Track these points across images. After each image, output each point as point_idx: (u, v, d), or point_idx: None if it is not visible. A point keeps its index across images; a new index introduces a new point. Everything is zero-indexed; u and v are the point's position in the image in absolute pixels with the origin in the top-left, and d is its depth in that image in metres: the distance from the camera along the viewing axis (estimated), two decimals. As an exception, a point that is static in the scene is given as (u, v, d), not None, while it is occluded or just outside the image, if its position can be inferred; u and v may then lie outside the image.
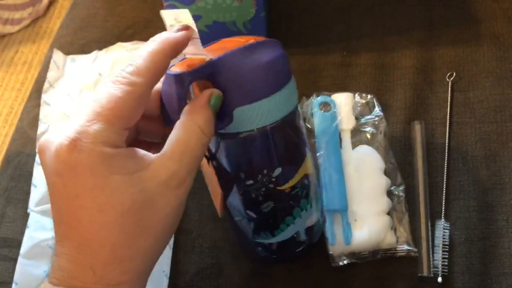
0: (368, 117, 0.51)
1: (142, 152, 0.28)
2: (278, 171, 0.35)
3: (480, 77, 0.54)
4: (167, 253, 0.46)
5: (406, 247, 0.44)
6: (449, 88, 0.53)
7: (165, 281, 0.45)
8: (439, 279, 0.42)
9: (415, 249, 0.44)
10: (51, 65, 0.63)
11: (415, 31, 0.58)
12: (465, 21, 0.58)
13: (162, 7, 0.56)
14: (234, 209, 0.39)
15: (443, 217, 0.45)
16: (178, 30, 0.31)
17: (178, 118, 0.30)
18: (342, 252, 0.44)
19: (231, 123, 0.32)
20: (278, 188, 0.36)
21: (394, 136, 0.51)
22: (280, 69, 0.32)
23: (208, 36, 0.58)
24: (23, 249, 0.48)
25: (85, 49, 0.65)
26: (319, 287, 0.44)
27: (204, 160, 0.36)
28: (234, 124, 0.32)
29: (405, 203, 0.46)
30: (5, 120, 1.44)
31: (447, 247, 0.44)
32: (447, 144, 0.50)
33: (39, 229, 0.49)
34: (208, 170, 0.37)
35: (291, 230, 0.40)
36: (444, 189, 0.47)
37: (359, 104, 0.51)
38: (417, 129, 0.50)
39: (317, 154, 0.47)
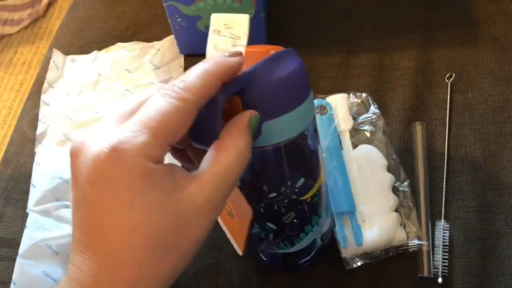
0: (365, 115, 0.51)
1: (180, 170, 0.27)
2: (301, 181, 0.35)
3: (479, 78, 0.54)
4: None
5: (417, 241, 0.44)
6: (449, 89, 0.53)
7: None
8: (440, 280, 0.42)
9: (426, 243, 0.44)
10: (51, 65, 0.63)
11: (414, 32, 0.59)
12: (464, 23, 0.58)
13: (162, 8, 0.56)
14: None
15: (442, 218, 0.45)
16: (233, 55, 0.29)
17: (213, 139, 0.28)
18: (354, 254, 0.44)
19: (259, 137, 0.31)
20: (300, 198, 0.36)
21: (394, 137, 0.51)
22: (304, 78, 0.31)
23: (207, 36, 0.59)
24: (22, 249, 0.48)
25: (84, 50, 0.65)
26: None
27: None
28: (261, 138, 0.31)
29: (412, 198, 0.46)
30: (4, 121, 1.44)
31: (447, 247, 0.44)
32: (446, 145, 0.50)
33: (37, 229, 0.49)
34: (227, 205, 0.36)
35: (310, 238, 0.40)
36: (444, 190, 0.47)
37: (354, 104, 0.52)
38: (418, 130, 0.50)
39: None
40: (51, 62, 0.63)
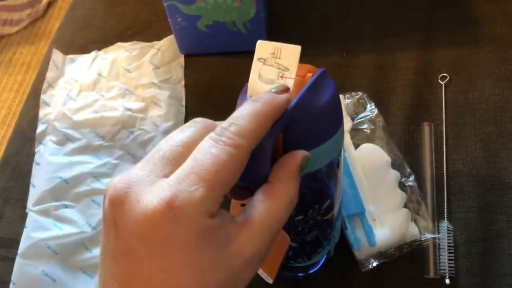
0: (363, 114, 0.51)
1: (228, 217, 0.25)
2: (327, 203, 0.34)
3: (479, 79, 0.54)
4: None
5: (429, 235, 0.44)
6: (443, 90, 0.53)
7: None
8: (447, 281, 0.42)
9: (439, 235, 0.44)
10: (50, 65, 0.63)
11: (415, 32, 0.59)
12: (464, 23, 0.58)
13: (162, 8, 0.56)
14: None
15: (446, 218, 0.45)
16: (281, 91, 0.27)
17: (260, 180, 0.27)
18: (369, 255, 0.43)
19: None
20: (324, 218, 0.36)
21: (394, 137, 0.51)
22: (339, 103, 0.30)
23: (208, 36, 0.59)
24: (21, 248, 0.48)
25: (84, 50, 0.65)
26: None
27: None
28: None
29: (419, 192, 0.46)
30: (3, 121, 1.44)
31: (452, 248, 0.44)
32: (444, 145, 0.50)
33: (37, 228, 0.49)
34: None
35: (326, 250, 0.40)
36: (446, 190, 0.47)
37: (350, 104, 0.52)
38: (426, 130, 0.50)
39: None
40: (51, 62, 0.63)
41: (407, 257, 0.44)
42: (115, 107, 0.57)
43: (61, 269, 0.47)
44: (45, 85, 0.62)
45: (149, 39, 0.64)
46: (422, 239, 0.44)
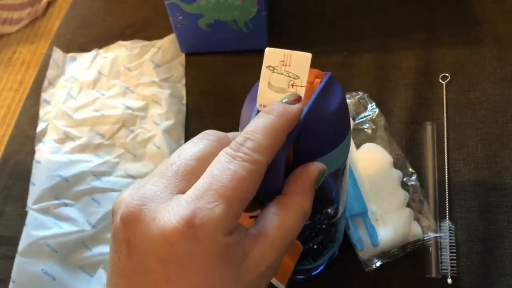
0: (364, 114, 0.51)
1: (243, 230, 0.24)
2: (334, 207, 0.35)
3: (481, 78, 0.54)
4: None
5: (432, 234, 0.44)
6: (444, 90, 0.53)
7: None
8: (449, 280, 0.42)
9: (442, 235, 0.44)
10: (51, 63, 0.63)
11: (416, 32, 0.59)
12: (466, 23, 0.58)
13: (163, 6, 0.56)
14: None
15: (447, 218, 0.45)
16: (293, 101, 0.26)
17: (274, 192, 0.26)
18: (372, 255, 0.43)
19: None
20: (331, 222, 0.36)
21: (395, 136, 0.51)
22: (347, 108, 0.30)
23: (208, 35, 0.59)
24: (21, 247, 0.48)
25: (84, 48, 0.65)
26: None
27: None
28: None
29: (422, 192, 0.46)
30: (2, 120, 1.44)
31: (454, 248, 0.44)
32: (446, 145, 0.50)
33: (37, 227, 0.49)
34: None
35: (331, 252, 0.40)
36: (447, 190, 0.47)
37: (351, 104, 0.52)
38: (429, 130, 0.50)
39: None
40: (51, 60, 0.63)
41: (409, 257, 0.44)
42: (115, 105, 0.57)
43: (61, 268, 0.47)
44: (45, 83, 0.61)
45: (150, 38, 0.64)
46: (425, 238, 0.44)
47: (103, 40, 0.65)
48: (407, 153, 0.49)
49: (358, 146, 0.48)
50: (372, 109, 0.51)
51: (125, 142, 0.54)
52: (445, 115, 0.52)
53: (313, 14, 0.63)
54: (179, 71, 0.60)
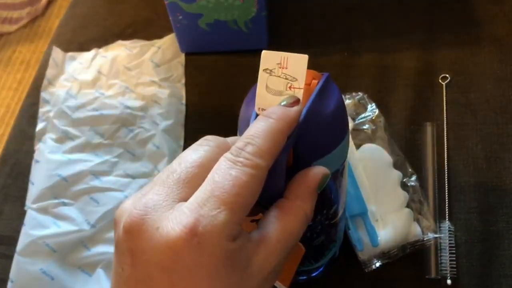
0: (364, 114, 0.51)
1: (246, 236, 0.24)
2: (334, 207, 0.35)
3: (481, 79, 0.54)
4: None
5: (432, 235, 0.44)
6: (444, 90, 0.53)
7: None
8: (448, 281, 0.42)
9: (441, 235, 0.44)
10: (50, 62, 0.63)
11: (417, 32, 0.59)
12: (466, 23, 0.58)
13: (162, 6, 0.56)
14: None
15: (447, 219, 0.45)
16: (291, 104, 0.26)
17: (276, 195, 0.26)
18: (372, 255, 0.43)
19: None
20: (331, 222, 0.36)
21: (396, 137, 0.51)
22: (344, 107, 0.30)
23: (208, 34, 0.59)
24: (19, 246, 0.48)
25: (84, 47, 0.65)
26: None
27: None
28: None
29: (421, 192, 0.46)
30: (1, 119, 1.44)
31: (453, 249, 0.44)
32: (445, 145, 0.50)
33: (35, 226, 0.49)
34: None
35: (332, 252, 0.40)
36: (447, 191, 0.47)
37: (351, 105, 0.51)
38: (429, 130, 0.50)
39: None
40: (50, 59, 0.63)
41: (409, 257, 0.44)
42: (115, 105, 0.57)
43: (59, 267, 0.47)
44: (45, 82, 0.61)
45: (149, 37, 0.63)
46: (425, 239, 0.44)
47: (102, 40, 0.65)
48: (407, 154, 0.49)
49: (358, 146, 0.48)
50: (372, 110, 0.51)
51: (124, 142, 0.54)
52: (445, 116, 0.52)
53: (313, 14, 0.63)
54: (178, 71, 0.60)
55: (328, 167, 0.28)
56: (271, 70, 0.27)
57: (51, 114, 0.58)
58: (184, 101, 0.58)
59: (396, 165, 0.47)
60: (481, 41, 0.56)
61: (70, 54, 0.64)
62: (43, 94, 0.60)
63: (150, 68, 0.60)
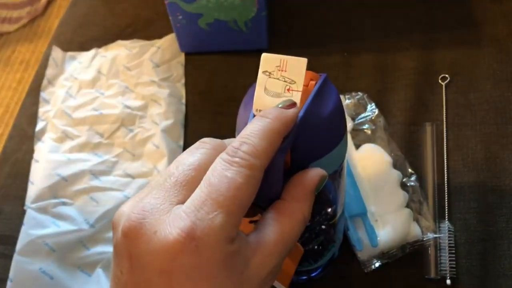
0: (364, 114, 0.51)
1: (243, 238, 0.24)
2: (333, 208, 0.35)
3: (480, 79, 0.54)
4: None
5: (431, 235, 0.44)
6: (443, 91, 0.53)
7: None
8: (448, 281, 0.42)
9: (441, 235, 0.44)
10: (50, 62, 0.63)
11: (416, 33, 0.59)
12: (465, 24, 0.58)
13: (163, 6, 0.56)
14: None
15: (447, 219, 0.45)
16: (287, 106, 0.26)
17: (273, 197, 0.26)
18: (371, 255, 0.43)
19: None
20: (330, 223, 0.36)
21: (395, 137, 0.51)
22: (342, 109, 0.30)
23: (208, 34, 0.59)
24: (19, 245, 0.48)
25: (84, 47, 0.65)
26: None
27: None
28: None
29: (421, 192, 0.46)
30: (1, 119, 1.44)
31: (452, 248, 0.44)
32: (445, 146, 0.50)
33: (35, 226, 0.49)
34: None
35: (331, 253, 0.40)
36: (446, 191, 0.47)
37: (350, 105, 0.52)
38: (428, 130, 0.50)
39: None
40: (50, 59, 0.63)
41: (408, 257, 0.44)
42: (114, 105, 0.57)
43: (59, 267, 0.47)
44: (44, 82, 0.61)
45: (149, 37, 0.63)
46: (424, 239, 0.44)
47: (102, 39, 0.65)
48: (407, 154, 0.49)
49: (357, 146, 0.48)
50: (371, 110, 0.51)
51: (124, 142, 0.54)
52: (444, 116, 0.52)
53: (313, 14, 0.63)
54: (178, 71, 0.60)
55: (326, 169, 0.28)
56: (270, 73, 0.27)
57: (51, 113, 0.58)
58: (183, 101, 0.58)
59: (395, 165, 0.47)
60: (481, 42, 0.57)
61: (70, 53, 0.64)
62: (43, 94, 0.60)
63: (150, 68, 0.60)
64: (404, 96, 0.54)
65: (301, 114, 0.27)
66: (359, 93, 0.53)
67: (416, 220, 0.45)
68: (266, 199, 0.26)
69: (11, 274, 0.47)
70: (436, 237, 0.43)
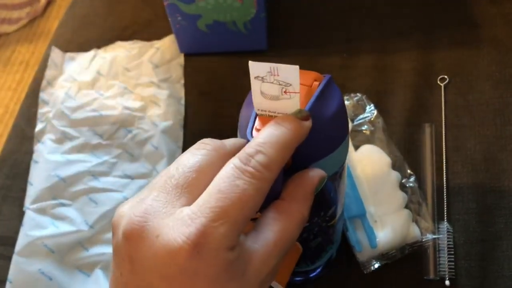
0: (363, 115, 0.51)
1: (243, 241, 0.24)
2: (332, 209, 0.35)
3: (479, 81, 0.54)
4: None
5: (431, 236, 0.44)
6: (442, 92, 0.53)
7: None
8: (447, 282, 0.42)
9: (440, 236, 0.44)
10: (49, 63, 0.63)
11: (415, 34, 0.59)
12: (465, 25, 0.58)
13: (162, 7, 0.56)
14: None
15: (445, 220, 0.45)
16: (304, 117, 0.26)
17: (272, 197, 0.26)
18: (370, 256, 0.43)
19: None
20: (329, 224, 0.36)
21: (394, 138, 0.51)
22: (345, 110, 0.30)
23: (208, 36, 0.59)
24: (18, 247, 0.48)
25: (83, 48, 0.65)
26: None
27: None
28: None
29: (420, 193, 0.46)
30: (1, 120, 1.44)
31: (452, 250, 0.44)
32: (444, 147, 0.50)
33: (34, 227, 0.49)
34: None
35: (329, 254, 0.40)
36: (445, 192, 0.47)
37: (350, 106, 0.52)
38: (427, 131, 0.50)
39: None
40: (49, 60, 0.63)
41: (407, 258, 0.44)
42: (113, 106, 0.57)
43: (58, 268, 0.47)
44: (44, 83, 0.61)
45: (149, 38, 0.63)
46: (423, 239, 0.44)
47: (102, 40, 0.65)
48: (406, 155, 0.49)
49: (356, 147, 0.48)
50: (370, 111, 0.51)
51: (123, 143, 0.54)
52: (443, 117, 0.52)
53: (312, 16, 0.63)
54: (178, 72, 0.60)
55: (326, 169, 0.28)
56: (262, 77, 0.27)
57: (50, 114, 0.58)
58: (183, 102, 0.58)
59: (394, 166, 0.47)
60: (480, 43, 0.57)
61: (69, 54, 0.64)
62: (42, 95, 0.60)
63: (149, 69, 0.60)
64: (403, 97, 0.54)
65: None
66: (358, 94, 0.53)
67: (415, 221, 0.45)
68: (266, 199, 0.26)
69: (10, 275, 0.47)
70: (435, 238, 0.44)
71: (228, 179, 0.23)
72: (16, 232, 0.49)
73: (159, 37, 0.63)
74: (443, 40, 0.58)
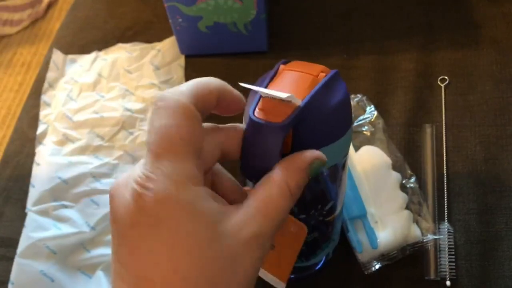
0: (363, 116, 0.51)
1: (220, 198, 0.25)
2: (330, 204, 0.35)
3: (480, 81, 0.54)
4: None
5: (431, 237, 0.44)
6: (443, 92, 0.53)
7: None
8: (448, 283, 0.42)
9: (441, 237, 0.44)
10: (51, 65, 0.63)
11: (415, 34, 0.59)
12: (465, 25, 0.58)
13: (163, 9, 0.56)
14: None
15: (446, 220, 0.45)
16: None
17: (267, 171, 0.26)
18: (371, 257, 0.43)
19: None
20: (326, 219, 0.36)
21: (395, 139, 0.51)
22: (350, 104, 0.30)
23: (208, 37, 0.59)
24: (20, 248, 0.48)
25: (85, 50, 0.65)
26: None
27: None
28: None
29: (421, 194, 0.46)
30: (3, 122, 1.44)
31: (452, 250, 0.44)
32: (444, 147, 0.50)
33: (36, 228, 0.49)
34: None
35: (325, 253, 0.40)
36: (446, 192, 0.47)
37: None
38: (428, 132, 0.50)
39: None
40: (51, 62, 0.63)
41: (408, 259, 0.44)
42: (115, 107, 0.57)
43: (60, 269, 0.47)
44: (45, 85, 0.62)
45: (149, 40, 0.64)
46: (424, 240, 0.44)
47: (103, 42, 0.65)
48: (406, 156, 0.49)
49: (357, 148, 0.49)
50: (371, 112, 0.51)
51: (124, 144, 0.55)
52: (443, 117, 0.52)
53: (312, 17, 0.63)
54: (178, 73, 0.60)
55: (327, 159, 0.28)
56: (263, 91, 0.27)
57: (52, 117, 0.58)
58: (184, 104, 0.58)
59: (395, 167, 0.47)
60: (480, 43, 0.57)
61: (70, 56, 0.64)
62: (44, 97, 0.60)
63: (150, 71, 0.60)
64: (403, 98, 0.54)
65: (305, 99, 0.27)
66: (358, 95, 0.53)
67: (416, 222, 0.45)
68: (260, 176, 0.26)
69: (12, 276, 0.47)
70: (435, 239, 0.44)
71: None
72: (18, 234, 0.50)
73: (160, 39, 0.63)
74: (443, 41, 0.58)
